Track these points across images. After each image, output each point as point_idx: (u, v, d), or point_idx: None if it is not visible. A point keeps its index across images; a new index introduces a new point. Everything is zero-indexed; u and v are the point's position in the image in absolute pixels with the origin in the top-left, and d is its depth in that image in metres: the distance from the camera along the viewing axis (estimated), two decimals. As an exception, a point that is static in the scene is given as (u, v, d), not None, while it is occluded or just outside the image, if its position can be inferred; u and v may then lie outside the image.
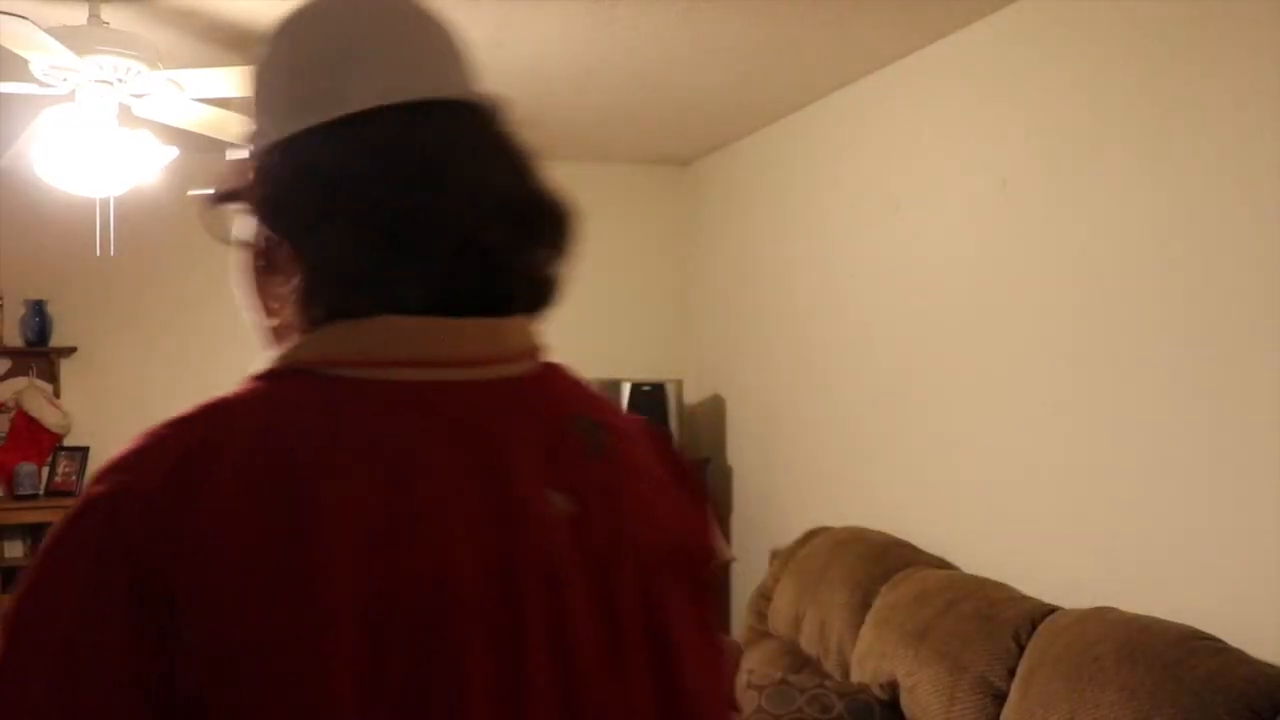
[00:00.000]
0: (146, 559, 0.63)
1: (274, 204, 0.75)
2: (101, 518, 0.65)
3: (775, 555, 3.79)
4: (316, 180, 0.73)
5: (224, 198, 0.79)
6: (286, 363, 0.74)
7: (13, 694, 0.62)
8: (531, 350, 0.83)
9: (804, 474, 4.17)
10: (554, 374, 0.84)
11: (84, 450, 4.59)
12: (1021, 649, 2.44)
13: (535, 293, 0.85)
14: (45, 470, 4.52)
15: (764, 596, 3.64)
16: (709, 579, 0.85)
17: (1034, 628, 2.46)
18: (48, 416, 4.51)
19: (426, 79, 0.79)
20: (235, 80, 2.80)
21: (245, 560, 0.63)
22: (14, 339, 4.58)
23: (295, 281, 0.74)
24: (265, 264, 0.78)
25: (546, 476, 0.74)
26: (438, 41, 0.84)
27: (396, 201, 0.73)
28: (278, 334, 0.78)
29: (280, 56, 0.78)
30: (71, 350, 4.63)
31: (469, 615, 0.67)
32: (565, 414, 0.80)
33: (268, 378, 0.75)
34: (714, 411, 5.01)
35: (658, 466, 0.85)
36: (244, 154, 0.78)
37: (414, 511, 0.67)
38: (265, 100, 0.78)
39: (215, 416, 0.75)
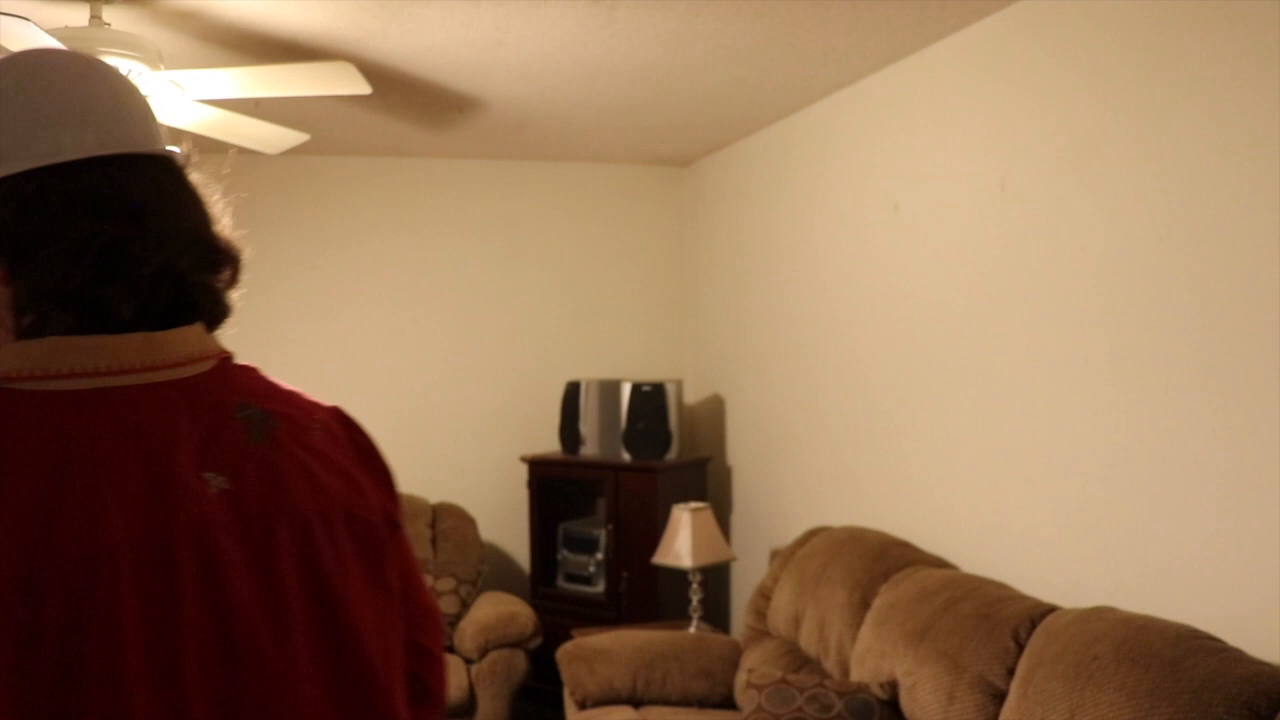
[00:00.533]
0: None
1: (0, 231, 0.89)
2: None
3: (775, 555, 3.79)
4: (39, 214, 0.88)
5: None
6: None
7: None
8: (207, 354, 0.98)
9: (804, 474, 4.18)
10: (230, 373, 0.99)
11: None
12: (1021, 648, 2.45)
13: (215, 309, 1.00)
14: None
15: (764, 596, 3.64)
16: (380, 540, 1.01)
17: (1033, 627, 2.47)
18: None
19: (131, 136, 0.95)
20: (236, 81, 2.81)
21: None
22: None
23: (8, 298, 0.88)
24: None
25: (203, 460, 0.89)
26: (137, 103, 0.99)
27: (108, 234, 0.89)
28: None
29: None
30: (72, 350, 4.63)
31: (123, 581, 0.80)
32: (231, 406, 0.95)
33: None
34: (714, 411, 5.02)
35: (335, 447, 1.02)
36: None
37: (70, 496, 0.80)
38: None
39: None
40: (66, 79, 0.94)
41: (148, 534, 0.82)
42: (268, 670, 0.87)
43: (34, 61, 0.96)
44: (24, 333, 0.88)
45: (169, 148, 1.01)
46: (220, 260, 1.00)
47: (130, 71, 2.72)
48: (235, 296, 1.04)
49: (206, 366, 0.97)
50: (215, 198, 1.03)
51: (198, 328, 0.98)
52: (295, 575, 0.91)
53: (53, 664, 0.76)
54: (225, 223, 1.03)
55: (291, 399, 1.03)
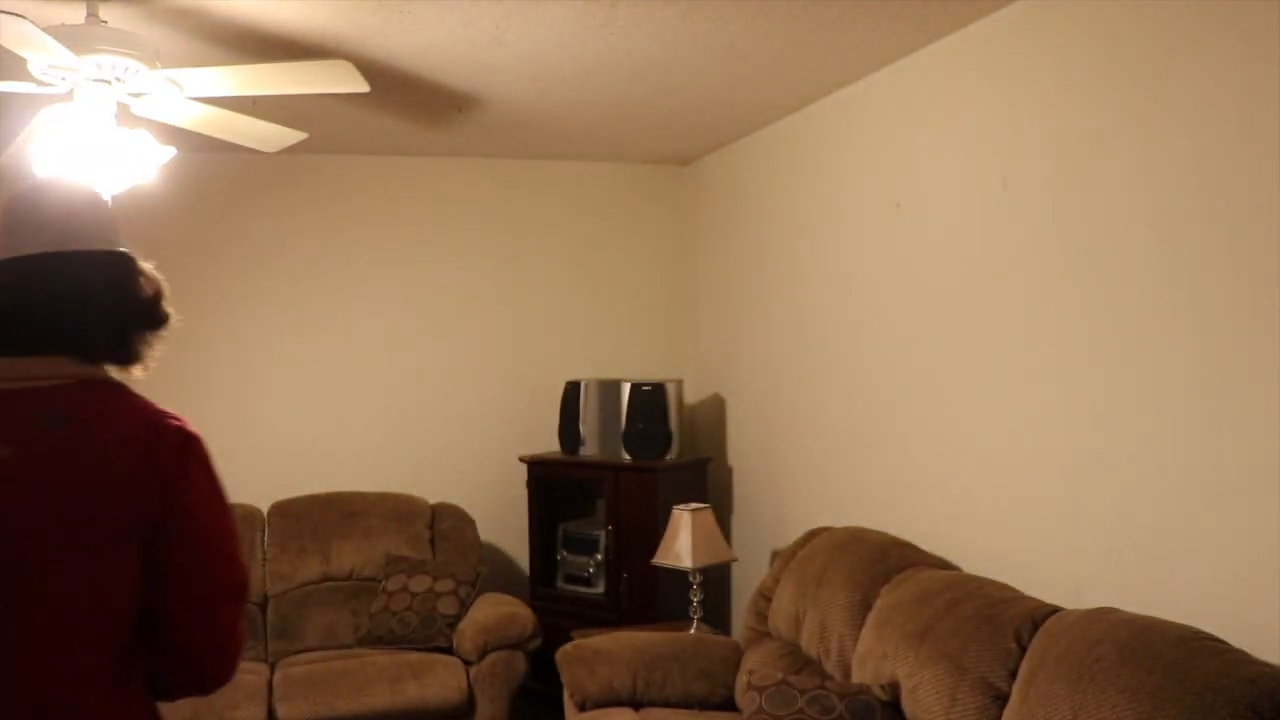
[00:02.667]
0: None
1: None
2: None
3: (776, 556, 3.78)
4: None
5: None
6: None
7: None
8: (63, 375, 1.44)
9: (804, 474, 4.16)
10: (71, 391, 1.44)
11: (82, 450, 4.58)
12: (1023, 650, 2.43)
13: (87, 349, 1.49)
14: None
15: (764, 597, 3.63)
16: (116, 520, 1.40)
17: (1035, 628, 2.45)
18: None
19: (66, 238, 1.46)
20: (233, 80, 2.80)
21: None
22: (12, 339, 4.57)
23: None
24: None
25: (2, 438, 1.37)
26: (78, 215, 1.50)
27: (8, 300, 1.43)
28: None
29: None
30: (70, 350, 4.62)
31: None
32: (40, 409, 1.40)
33: None
34: (714, 411, 5.01)
35: (123, 444, 1.43)
36: None
37: None
38: None
39: None
40: (31, 199, 1.51)
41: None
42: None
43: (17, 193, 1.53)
44: None
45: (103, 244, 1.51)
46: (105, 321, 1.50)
47: (128, 70, 2.71)
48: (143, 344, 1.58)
49: (62, 382, 1.44)
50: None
51: (61, 359, 1.45)
52: (60, 526, 1.37)
53: None
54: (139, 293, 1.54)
55: (108, 411, 1.47)
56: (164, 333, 1.59)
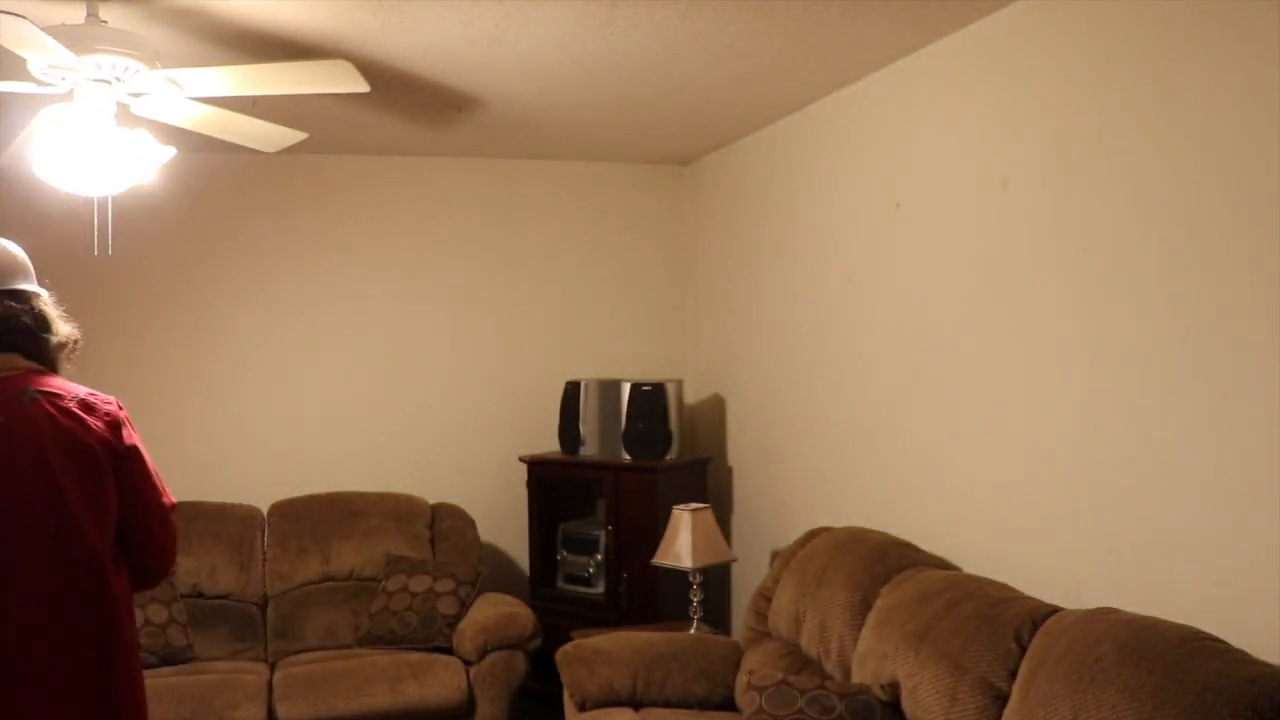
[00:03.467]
0: None
1: None
2: None
3: (776, 556, 3.78)
4: None
5: None
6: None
7: None
8: (17, 369, 2.08)
9: (804, 474, 4.16)
10: (30, 376, 2.08)
11: (82, 450, 4.58)
12: (1023, 650, 2.43)
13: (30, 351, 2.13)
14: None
15: (764, 597, 3.63)
16: (96, 456, 2.03)
17: (1036, 628, 2.45)
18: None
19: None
20: (233, 80, 2.79)
21: None
22: (12, 339, 4.57)
23: None
24: None
25: (86, 406, 2.06)
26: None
27: None
28: None
29: None
30: (70, 350, 4.62)
31: None
32: (20, 387, 2.02)
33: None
34: (714, 411, 5.01)
35: (81, 411, 2.07)
36: None
37: None
38: None
39: None
40: None
41: None
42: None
43: None
44: None
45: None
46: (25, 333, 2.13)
47: (128, 70, 2.71)
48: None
49: (20, 373, 2.08)
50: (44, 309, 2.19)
51: (15, 355, 2.10)
52: (39, 475, 1.97)
53: None
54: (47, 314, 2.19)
55: (61, 388, 2.10)
56: (58, 342, 2.21)
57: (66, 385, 2.12)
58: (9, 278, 2.15)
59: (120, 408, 2.16)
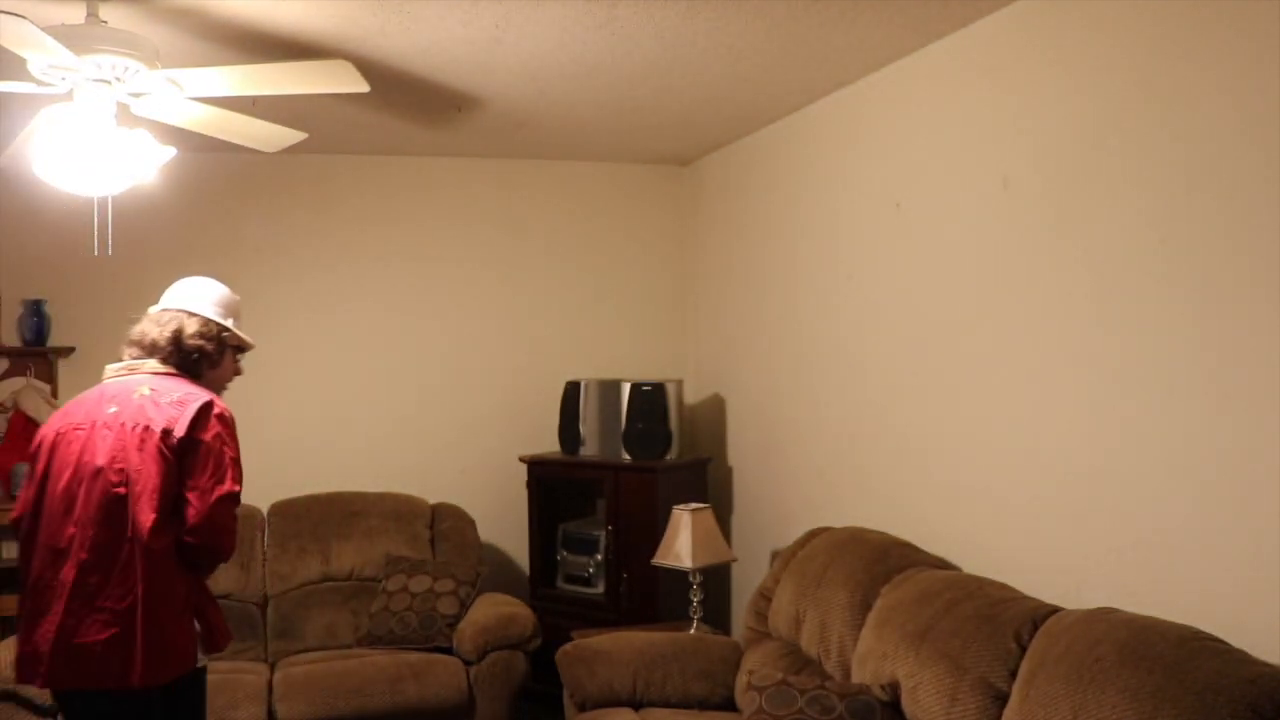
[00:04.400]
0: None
1: None
2: None
3: (776, 556, 3.78)
4: None
5: None
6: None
7: None
8: (146, 370, 2.65)
9: (804, 474, 4.16)
10: (154, 378, 2.62)
11: (82, 450, 4.57)
12: (1023, 650, 2.43)
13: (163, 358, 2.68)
14: (43, 470, 4.52)
15: (764, 597, 3.63)
16: (173, 440, 2.49)
17: (1036, 628, 2.45)
18: (45, 417, 4.48)
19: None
20: (233, 80, 2.79)
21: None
22: (12, 338, 4.57)
23: None
24: None
25: (112, 402, 2.55)
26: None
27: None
28: None
29: None
30: (69, 350, 4.62)
31: (78, 445, 2.52)
32: (136, 387, 2.58)
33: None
34: (714, 411, 5.01)
35: (174, 406, 2.54)
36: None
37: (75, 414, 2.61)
38: None
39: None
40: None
41: (87, 425, 2.53)
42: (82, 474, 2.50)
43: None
44: None
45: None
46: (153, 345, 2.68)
47: (128, 70, 2.71)
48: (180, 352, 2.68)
49: (148, 375, 2.64)
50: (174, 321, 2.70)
51: (152, 360, 2.65)
52: (118, 445, 2.48)
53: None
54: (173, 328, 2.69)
55: (163, 388, 2.59)
56: (195, 358, 2.71)
57: (177, 387, 2.59)
58: (185, 301, 2.76)
59: (209, 408, 2.55)
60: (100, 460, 2.46)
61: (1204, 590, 2.29)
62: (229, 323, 2.77)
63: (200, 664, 2.58)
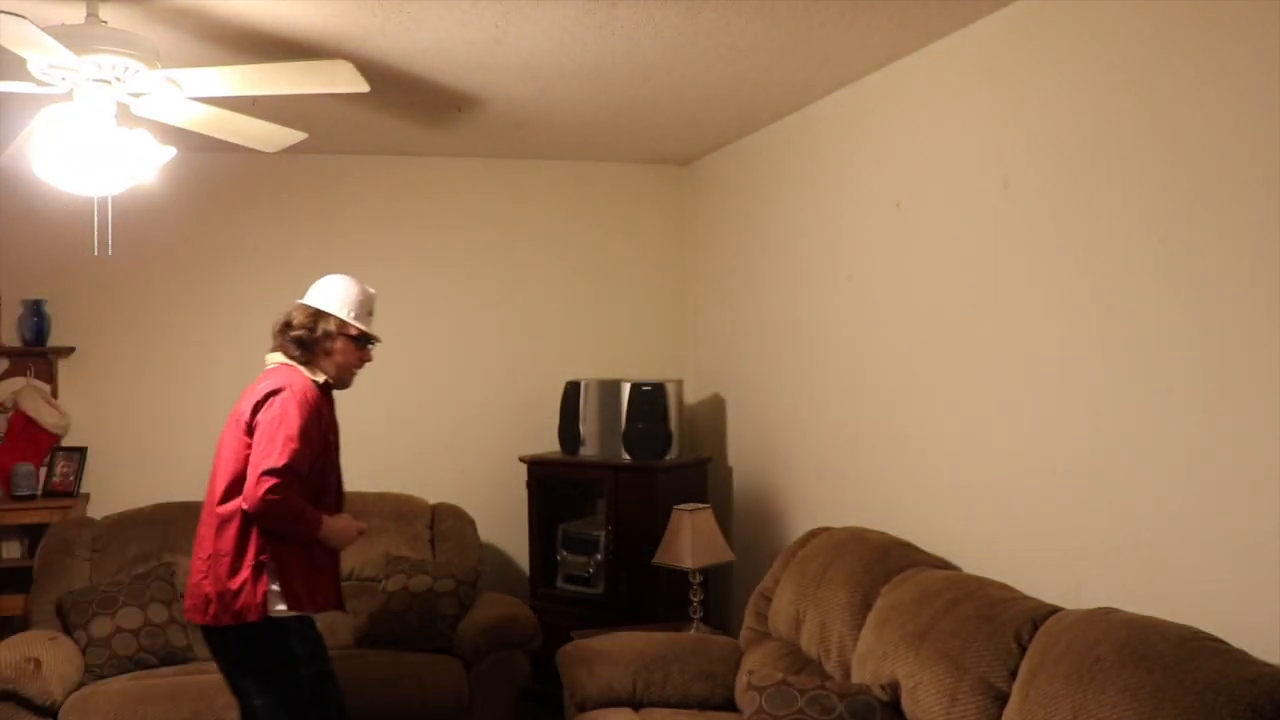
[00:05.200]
0: None
1: None
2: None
3: (776, 556, 3.78)
4: None
5: None
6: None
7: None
8: (270, 363, 3.09)
9: (804, 474, 4.16)
10: (279, 368, 3.06)
11: (81, 451, 4.58)
12: (1023, 650, 2.43)
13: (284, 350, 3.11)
14: (43, 471, 4.51)
15: (764, 597, 3.63)
16: (245, 421, 2.97)
17: (1036, 628, 2.45)
18: (45, 417, 4.49)
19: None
20: (233, 80, 2.79)
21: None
22: (12, 338, 4.57)
23: None
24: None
25: (255, 391, 3.01)
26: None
27: None
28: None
29: None
30: (69, 350, 4.62)
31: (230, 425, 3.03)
32: (258, 379, 3.05)
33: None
34: (714, 411, 5.01)
35: (255, 395, 2.98)
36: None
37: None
38: None
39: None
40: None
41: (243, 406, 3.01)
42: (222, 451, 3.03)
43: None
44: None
45: None
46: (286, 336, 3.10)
47: (128, 70, 2.71)
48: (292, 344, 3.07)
49: (271, 367, 3.09)
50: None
51: (277, 354, 3.09)
52: (230, 428, 3.02)
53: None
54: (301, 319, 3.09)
55: (271, 376, 3.02)
56: (310, 349, 3.10)
57: (273, 378, 2.99)
58: (306, 295, 3.15)
59: (278, 391, 2.92)
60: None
61: (1204, 590, 2.29)
62: (341, 312, 3.09)
63: (273, 616, 2.88)
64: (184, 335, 4.78)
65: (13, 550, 4.44)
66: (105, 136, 2.73)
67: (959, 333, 3.19)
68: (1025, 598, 2.65)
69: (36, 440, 4.50)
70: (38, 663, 3.53)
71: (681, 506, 4.14)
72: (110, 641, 3.85)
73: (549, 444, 4.98)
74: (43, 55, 2.53)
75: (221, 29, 3.00)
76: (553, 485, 4.93)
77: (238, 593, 2.87)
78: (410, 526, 4.59)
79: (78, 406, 4.63)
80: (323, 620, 4.42)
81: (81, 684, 3.72)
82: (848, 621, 3.07)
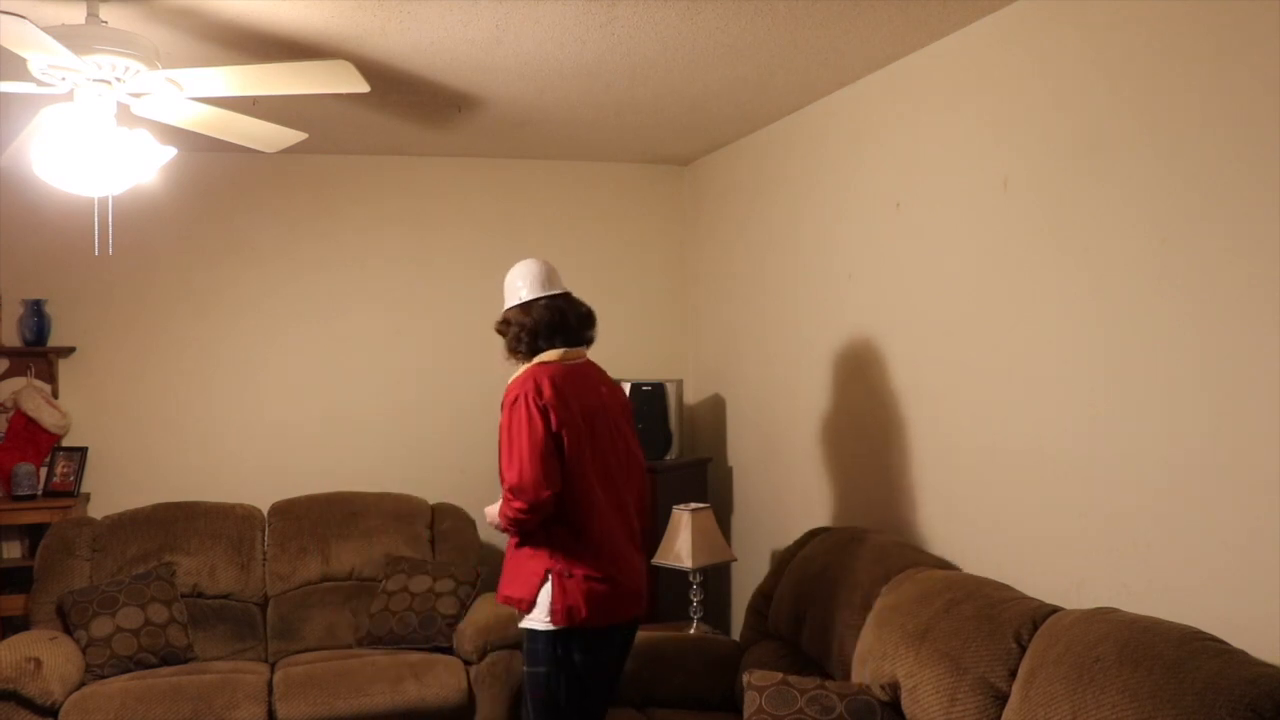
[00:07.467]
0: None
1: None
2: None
3: (775, 555, 3.78)
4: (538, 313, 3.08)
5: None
6: (539, 361, 2.99)
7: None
8: (582, 357, 3.09)
9: (804, 474, 4.16)
10: (589, 363, 3.13)
11: (82, 451, 4.58)
12: (1023, 649, 2.43)
13: (588, 343, 3.13)
14: (43, 471, 4.51)
15: (764, 596, 3.63)
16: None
17: (1035, 628, 2.45)
18: (46, 417, 4.50)
19: (557, 286, 3.12)
20: (233, 80, 2.79)
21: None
22: (12, 338, 4.57)
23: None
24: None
25: (603, 385, 3.11)
26: (555, 274, 3.16)
27: (559, 318, 3.05)
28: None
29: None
30: (70, 350, 4.62)
31: (582, 425, 2.92)
32: (598, 373, 3.14)
33: (536, 365, 2.97)
34: (714, 411, 5.01)
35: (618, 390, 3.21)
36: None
37: (568, 395, 2.93)
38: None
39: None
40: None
41: (585, 408, 2.93)
42: (614, 460, 3.03)
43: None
44: (537, 349, 3.00)
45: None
46: (590, 325, 3.12)
47: (128, 70, 2.71)
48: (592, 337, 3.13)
49: (582, 360, 3.07)
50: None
51: (582, 349, 3.08)
52: (617, 428, 3.07)
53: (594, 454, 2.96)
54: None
55: (595, 367, 3.15)
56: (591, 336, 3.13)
57: (515, 374, 3.01)
58: (559, 281, 3.10)
59: (506, 395, 2.90)
60: None
61: (1204, 590, 2.30)
62: (510, 302, 3.10)
63: (529, 626, 2.99)
64: (184, 335, 4.78)
65: (13, 550, 4.44)
66: (105, 136, 2.73)
67: (959, 332, 3.19)
68: (1025, 598, 2.65)
69: (37, 440, 4.51)
70: (38, 662, 3.54)
71: (681, 506, 4.14)
72: (110, 641, 3.85)
73: (549, 444, 4.98)
74: (43, 55, 2.53)
75: (221, 29, 3.00)
76: (553, 485, 4.92)
77: (509, 600, 3.12)
78: (410, 526, 4.59)
79: (78, 406, 4.63)
80: (324, 619, 4.46)
81: (82, 684, 3.73)
82: (847, 621, 3.07)
